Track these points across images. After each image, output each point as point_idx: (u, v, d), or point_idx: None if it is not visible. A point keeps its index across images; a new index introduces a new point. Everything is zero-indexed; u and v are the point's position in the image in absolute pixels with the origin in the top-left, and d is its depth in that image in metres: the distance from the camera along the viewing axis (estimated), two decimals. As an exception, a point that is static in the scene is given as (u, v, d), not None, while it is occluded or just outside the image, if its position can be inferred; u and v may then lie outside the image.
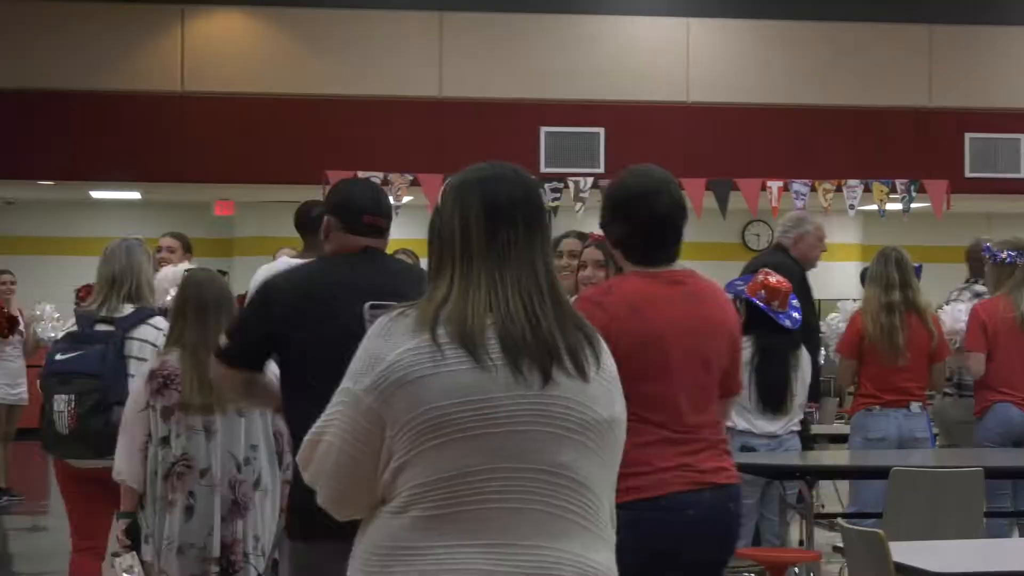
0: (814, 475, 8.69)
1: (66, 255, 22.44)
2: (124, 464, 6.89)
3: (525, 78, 19.90)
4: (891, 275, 8.81)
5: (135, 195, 22.00)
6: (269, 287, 5.87)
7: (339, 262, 5.80)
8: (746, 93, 20.02)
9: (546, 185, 18.36)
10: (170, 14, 19.96)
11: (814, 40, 20.35)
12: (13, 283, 15.43)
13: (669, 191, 5.74)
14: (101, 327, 7.83)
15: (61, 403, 7.62)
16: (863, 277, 9.80)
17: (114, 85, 19.69)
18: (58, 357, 7.88)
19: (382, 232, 5.83)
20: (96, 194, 22.24)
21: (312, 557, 5.40)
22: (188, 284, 6.98)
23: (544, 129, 19.71)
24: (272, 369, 5.71)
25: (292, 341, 5.52)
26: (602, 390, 3.26)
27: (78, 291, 10.74)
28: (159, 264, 8.42)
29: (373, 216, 5.76)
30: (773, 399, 8.57)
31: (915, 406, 8.94)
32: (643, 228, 5.54)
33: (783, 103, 20.00)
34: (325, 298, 5.54)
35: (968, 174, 20.08)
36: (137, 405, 6.87)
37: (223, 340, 5.74)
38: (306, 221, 9.38)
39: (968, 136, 20.20)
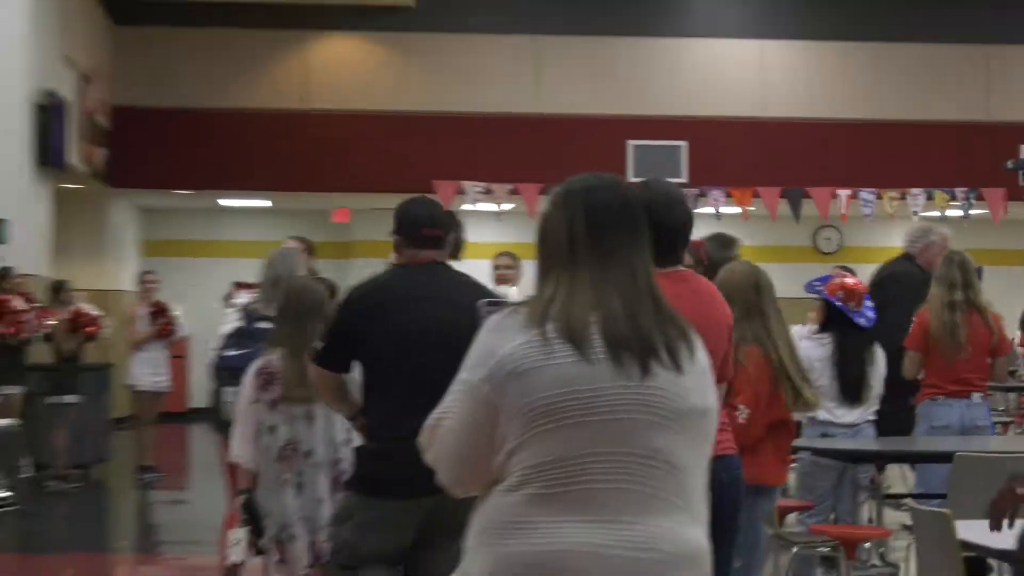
0: (885, 460, 8.66)
1: (199, 257, 22.64)
2: (240, 448, 7.12)
3: (614, 96, 19.87)
4: (954, 276, 8.73)
5: (266, 203, 22.12)
6: (348, 296, 6.22)
7: (407, 273, 6.05)
8: (816, 108, 19.87)
9: (634, 194, 18.32)
10: (293, 40, 20.10)
11: (878, 59, 20.20)
12: (157, 282, 15.55)
13: (684, 203, 5.77)
14: (263, 324, 8.04)
15: (229, 395, 7.96)
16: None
17: (242, 103, 19.86)
18: (229, 353, 8.13)
19: (441, 241, 6.03)
20: (224, 202, 22.39)
21: (371, 511, 5.85)
22: (290, 292, 7.19)
23: (631, 143, 19.58)
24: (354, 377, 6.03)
25: (367, 341, 5.81)
26: (695, 381, 3.24)
27: (235, 285, 11.08)
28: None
29: (430, 229, 5.96)
30: (851, 391, 8.52)
31: (976, 396, 8.84)
32: (664, 234, 5.56)
33: (851, 118, 19.83)
34: (393, 304, 5.85)
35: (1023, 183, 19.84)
36: (247, 399, 7.09)
37: (317, 344, 6.09)
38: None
39: (1023, 147, 19.88)
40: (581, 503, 3.15)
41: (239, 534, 7.00)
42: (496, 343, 3.25)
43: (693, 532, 3.24)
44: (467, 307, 4.89)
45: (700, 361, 3.31)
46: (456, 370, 4.51)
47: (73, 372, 14.45)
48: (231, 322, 9.19)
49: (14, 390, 12.26)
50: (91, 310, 14.83)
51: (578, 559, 3.13)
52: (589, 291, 3.23)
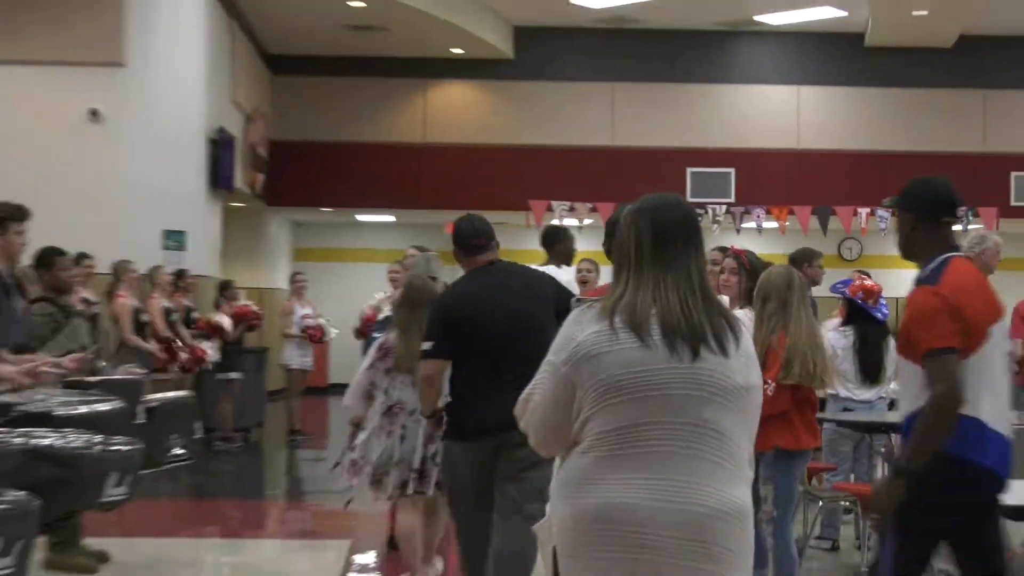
0: (896, 430, 8.52)
1: (338, 261, 22.76)
2: (351, 400, 7.53)
3: (674, 131, 19.74)
4: None
5: (392, 218, 22.20)
6: (443, 296, 6.72)
7: (479, 274, 6.34)
8: (841, 142, 19.71)
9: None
10: (416, 86, 20.20)
11: (893, 101, 19.96)
12: (305, 281, 15.63)
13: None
14: None
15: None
16: None
17: (373, 138, 19.97)
18: (376, 335, 8.27)
19: (486, 246, 6.36)
20: (359, 217, 22.49)
21: (456, 452, 6.25)
22: (408, 287, 7.46)
23: (689, 169, 19.57)
24: None
25: (460, 328, 6.12)
26: (740, 363, 3.31)
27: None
28: (406, 268, 8.51)
29: (475, 238, 6.32)
30: (869, 374, 8.47)
31: None
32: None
33: (870, 149, 19.63)
34: (477, 298, 6.21)
35: (1013, 203, 19.60)
36: (366, 364, 7.49)
37: (424, 345, 6.31)
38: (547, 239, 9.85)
39: (1013, 174, 19.69)
40: (640, 464, 3.24)
41: (347, 456, 7.49)
42: (575, 332, 3.34)
43: (737, 491, 3.29)
44: (518, 289, 6.16)
45: (745, 347, 3.36)
46: (512, 343, 5.79)
47: (236, 354, 14.56)
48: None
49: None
50: (253, 306, 14.95)
51: (636, 511, 3.21)
52: (651, 289, 3.32)
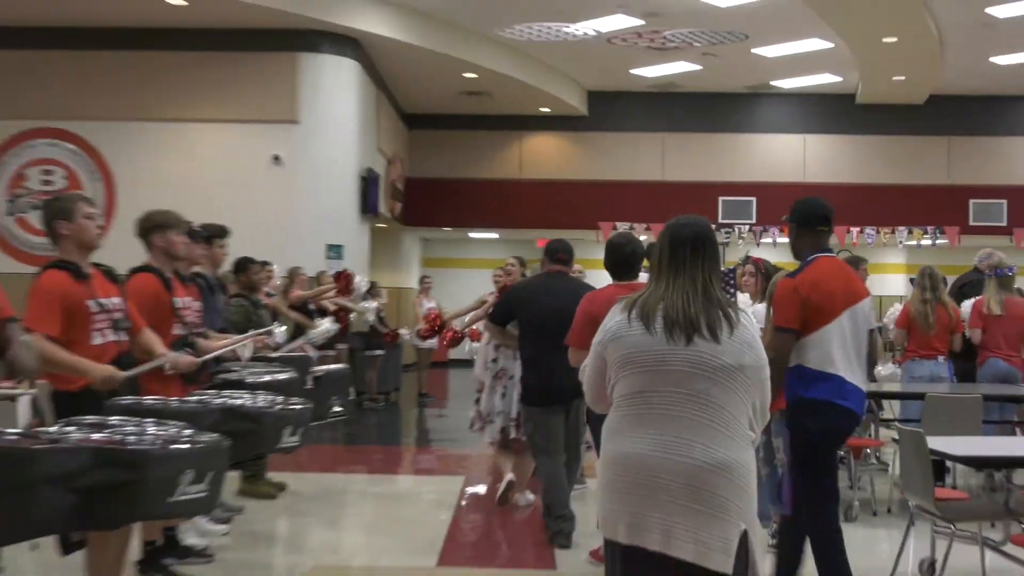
0: (881, 398, 8.39)
1: (456, 268, 22.84)
2: (478, 370, 7.99)
3: (709, 169, 19.58)
4: (925, 282, 8.38)
5: (496, 235, 22.24)
6: (512, 288, 7.18)
7: (543, 277, 6.75)
8: (837, 176, 19.37)
9: (722, 230, 18.33)
10: (514, 136, 20.21)
11: (875, 145, 19.62)
12: (431, 282, 15.66)
13: (634, 243, 5.92)
14: None
15: None
16: (911, 281, 9.33)
17: (482, 175, 20.05)
18: None
19: (566, 261, 6.72)
20: (471, 234, 22.55)
21: (536, 415, 6.49)
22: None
23: (721, 198, 19.38)
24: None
25: (520, 312, 6.63)
26: (731, 348, 3.22)
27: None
28: (507, 274, 8.49)
29: (559, 253, 6.68)
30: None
31: (941, 358, 8.45)
32: (624, 261, 5.84)
33: (859, 182, 19.33)
34: (533, 294, 6.62)
35: (971, 223, 19.20)
36: (484, 342, 7.97)
37: (492, 312, 6.97)
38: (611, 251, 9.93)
39: (971, 201, 19.29)
40: (649, 422, 3.23)
41: (473, 409, 7.98)
42: (608, 321, 3.39)
43: (726, 448, 3.20)
44: (561, 292, 6.31)
45: (739, 335, 3.25)
46: (551, 328, 5.90)
47: (379, 335, 14.62)
48: None
49: (342, 347, 12.48)
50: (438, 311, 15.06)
51: (643, 459, 3.21)
52: (662, 290, 3.30)
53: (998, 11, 14.05)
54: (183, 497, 3.15)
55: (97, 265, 4.92)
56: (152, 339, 5.14)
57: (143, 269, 5.60)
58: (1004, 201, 19.39)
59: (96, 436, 3.20)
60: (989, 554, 5.48)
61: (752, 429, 3.28)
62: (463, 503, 8.00)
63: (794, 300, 4.89)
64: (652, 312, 3.26)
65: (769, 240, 18.62)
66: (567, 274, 6.78)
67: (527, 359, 6.64)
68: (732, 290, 8.52)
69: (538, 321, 6.43)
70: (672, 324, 3.22)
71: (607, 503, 3.28)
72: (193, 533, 6.38)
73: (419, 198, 19.79)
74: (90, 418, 3.77)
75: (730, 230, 18.85)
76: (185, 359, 5.26)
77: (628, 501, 3.21)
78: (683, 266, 3.31)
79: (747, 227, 18.95)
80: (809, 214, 5.28)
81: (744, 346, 3.24)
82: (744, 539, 3.17)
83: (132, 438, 3.22)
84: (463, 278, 21.43)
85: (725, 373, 3.20)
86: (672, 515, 3.15)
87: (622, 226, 17.81)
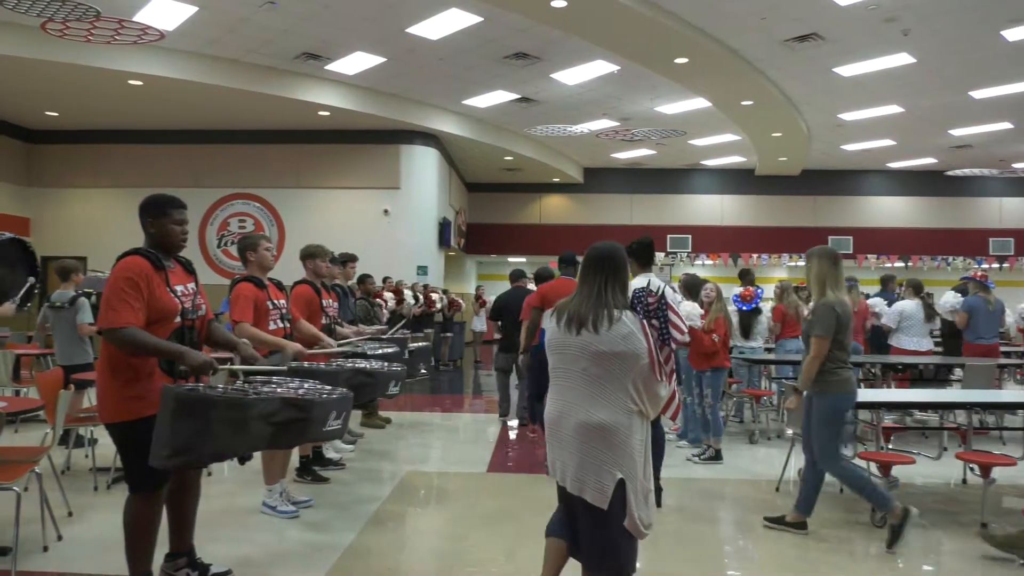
0: (771, 363, 8.13)
1: (498, 280, 22.71)
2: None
3: (662, 215, 19.32)
4: (787, 290, 8.14)
5: (524, 259, 22.15)
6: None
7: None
8: (741, 220, 19.10)
9: (669, 255, 18.09)
10: (536, 197, 20.03)
11: (767, 202, 19.27)
12: (484, 290, 15.60)
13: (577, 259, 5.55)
14: None
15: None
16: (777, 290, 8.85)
17: (515, 221, 19.91)
18: None
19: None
20: (510, 259, 22.43)
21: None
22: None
23: (669, 235, 19.17)
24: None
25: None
26: (608, 338, 2.78)
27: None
28: None
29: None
30: (746, 333, 7.87)
31: (801, 337, 7.97)
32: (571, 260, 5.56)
33: (756, 225, 19.05)
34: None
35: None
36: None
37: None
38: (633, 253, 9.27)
39: (829, 237, 18.99)
40: (556, 391, 2.92)
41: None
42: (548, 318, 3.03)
43: (602, 413, 2.78)
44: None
45: (617, 329, 2.79)
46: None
47: (449, 324, 14.59)
48: None
49: (428, 330, 12.42)
50: (458, 299, 15.06)
51: (553, 418, 2.91)
52: (576, 298, 2.92)
53: (846, 117, 14.07)
54: (329, 428, 3.16)
55: (271, 279, 4.98)
56: (305, 326, 5.10)
57: (301, 282, 5.64)
58: (851, 237, 19.07)
59: (279, 390, 3.23)
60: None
61: (634, 402, 2.79)
62: (503, 432, 7.96)
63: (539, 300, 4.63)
64: (562, 311, 2.94)
65: (700, 262, 18.45)
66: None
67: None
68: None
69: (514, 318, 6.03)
70: (569, 319, 2.88)
71: (547, 448, 3.02)
72: (332, 450, 6.43)
73: (475, 236, 19.74)
74: (265, 376, 3.78)
75: (675, 255, 18.75)
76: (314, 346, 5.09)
77: (550, 447, 2.96)
78: (587, 278, 2.94)
79: (686, 253, 18.83)
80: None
81: (624, 338, 2.78)
82: (621, 486, 2.75)
83: (303, 391, 3.25)
84: (502, 287, 21.26)
85: (601, 357, 2.79)
86: (566, 459, 2.85)
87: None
